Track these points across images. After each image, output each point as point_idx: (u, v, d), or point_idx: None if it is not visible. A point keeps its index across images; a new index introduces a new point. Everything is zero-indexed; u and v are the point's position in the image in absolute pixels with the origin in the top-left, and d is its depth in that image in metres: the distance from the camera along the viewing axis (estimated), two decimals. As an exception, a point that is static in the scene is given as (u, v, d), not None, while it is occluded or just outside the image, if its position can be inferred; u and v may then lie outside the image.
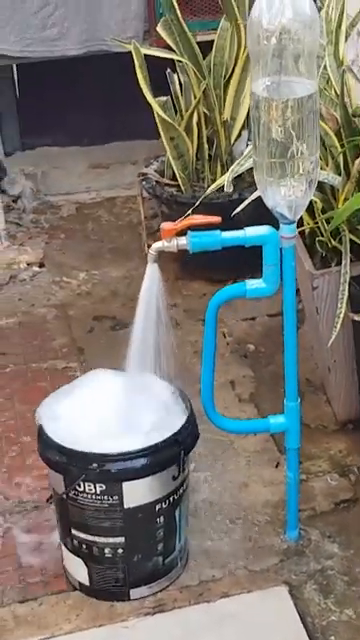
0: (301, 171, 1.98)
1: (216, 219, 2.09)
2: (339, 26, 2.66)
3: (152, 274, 2.10)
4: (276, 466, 2.63)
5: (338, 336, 2.44)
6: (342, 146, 2.53)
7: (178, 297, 3.41)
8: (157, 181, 3.49)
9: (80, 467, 2.12)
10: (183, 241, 2.07)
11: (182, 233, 2.08)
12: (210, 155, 3.46)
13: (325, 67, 2.62)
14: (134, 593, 2.24)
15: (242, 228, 2.08)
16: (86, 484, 2.12)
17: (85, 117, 4.28)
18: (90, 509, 2.15)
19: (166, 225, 2.09)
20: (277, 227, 2.08)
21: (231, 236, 2.07)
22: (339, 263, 2.49)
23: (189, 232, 2.07)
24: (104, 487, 2.11)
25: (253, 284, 2.11)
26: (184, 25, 3.27)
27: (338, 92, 2.52)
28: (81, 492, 2.14)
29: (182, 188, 3.42)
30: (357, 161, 2.48)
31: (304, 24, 1.85)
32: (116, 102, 4.20)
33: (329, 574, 2.30)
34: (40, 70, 4.01)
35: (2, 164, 4.15)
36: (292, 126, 1.92)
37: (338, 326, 2.40)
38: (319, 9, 2.69)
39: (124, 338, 2.19)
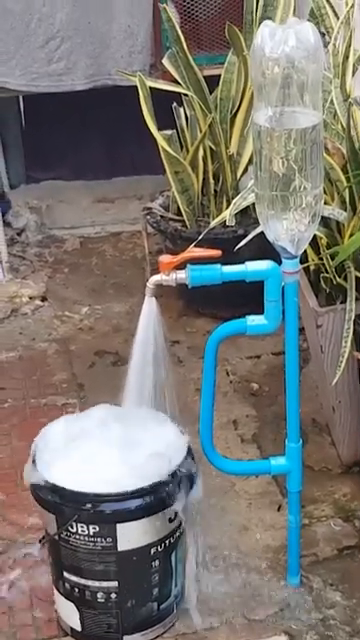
0: (304, 204, 1.93)
1: (216, 252, 2.04)
2: (346, 58, 2.62)
3: (150, 308, 2.06)
4: (278, 509, 2.56)
5: (343, 376, 2.40)
6: (348, 180, 2.49)
7: (182, 334, 3.36)
8: (162, 216, 3.44)
9: (73, 507, 2.05)
10: (182, 275, 2.03)
11: (183, 267, 2.03)
12: (216, 190, 3.41)
13: (331, 101, 2.58)
14: (127, 640, 2.17)
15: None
16: (79, 525, 2.05)
17: (90, 151, 4.24)
18: (83, 551, 2.08)
19: (165, 258, 2.04)
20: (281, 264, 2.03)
21: (232, 270, 2.02)
22: (344, 301, 2.44)
23: (188, 265, 2.02)
24: (97, 528, 2.05)
25: (254, 320, 2.06)
26: (190, 58, 3.24)
27: (344, 125, 2.47)
28: (74, 533, 2.07)
29: (187, 223, 3.37)
30: (364, 196, 2.43)
31: (308, 52, 1.81)
32: (122, 136, 4.16)
33: (331, 624, 2.22)
34: (46, 103, 3.98)
35: (7, 197, 4.13)
36: (295, 158, 1.88)
37: (342, 365, 2.37)
38: (326, 43, 2.66)
39: (125, 374, 2.13)
